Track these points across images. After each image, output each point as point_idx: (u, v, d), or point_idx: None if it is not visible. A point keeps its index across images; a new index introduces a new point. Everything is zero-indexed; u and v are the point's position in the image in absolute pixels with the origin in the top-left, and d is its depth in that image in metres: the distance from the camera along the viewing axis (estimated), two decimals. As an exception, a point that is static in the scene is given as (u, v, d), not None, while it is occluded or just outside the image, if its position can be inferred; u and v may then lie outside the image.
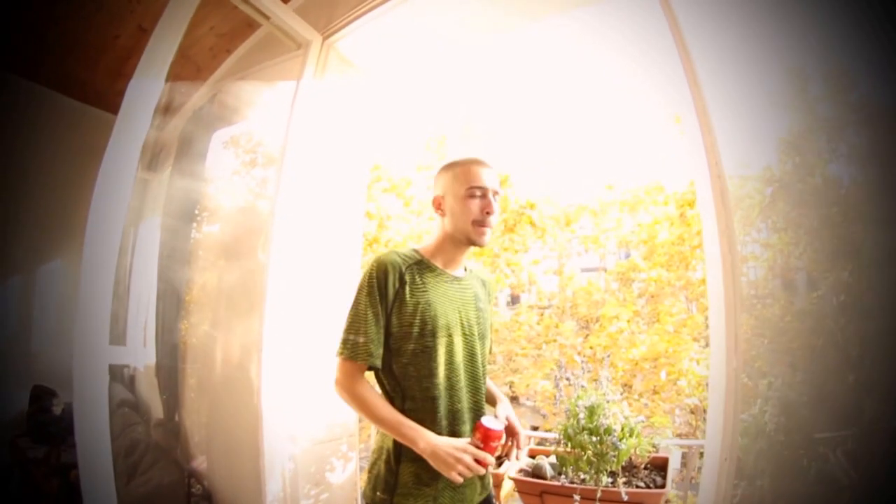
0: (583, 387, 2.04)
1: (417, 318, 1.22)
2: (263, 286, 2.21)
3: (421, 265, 1.29)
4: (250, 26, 2.76)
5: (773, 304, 1.47)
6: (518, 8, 2.25)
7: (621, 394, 2.08)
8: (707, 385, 5.14)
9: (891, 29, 1.20)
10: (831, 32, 1.34)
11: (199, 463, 2.52)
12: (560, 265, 7.71)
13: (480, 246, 1.31)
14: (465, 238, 1.29)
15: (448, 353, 1.25)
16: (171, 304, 2.80)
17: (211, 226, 2.88)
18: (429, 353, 1.23)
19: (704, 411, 5.20)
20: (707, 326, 5.30)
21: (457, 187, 1.30)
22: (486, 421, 1.16)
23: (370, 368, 1.25)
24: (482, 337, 1.33)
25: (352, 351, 1.22)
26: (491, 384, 1.41)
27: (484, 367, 1.33)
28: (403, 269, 1.26)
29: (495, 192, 1.32)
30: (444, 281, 1.30)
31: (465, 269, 1.38)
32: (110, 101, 3.31)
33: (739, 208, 1.45)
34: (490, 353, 1.44)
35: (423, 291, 1.25)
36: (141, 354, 3.18)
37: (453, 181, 1.31)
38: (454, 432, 1.23)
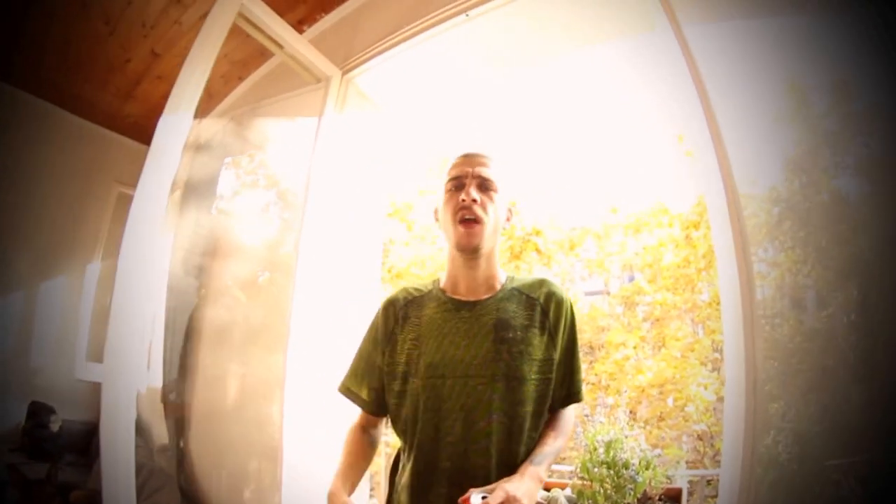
0: (601, 422, 2.04)
1: (403, 356, 1.07)
2: (287, 319, 2.19)
3: (427, 297, 1.13)
4: (263, 55, 2.83)
5: (782, 325, 1.45)
6: (535, 45, 2.30)
7: (626, 423, 2.07)
8: (714, 410, 5.05)
9: (890, 33, 1.22)
10: (829, 43, 1.36)
11: (206, 492, 2.47)
12: (564, 290, 7.64)
13: (463, 250, 1.05)
14: (454, 247, 1.07)
15: (434, 399, 1.01)
16: (181, 329, 2.79)
17: (222, 257, 2.90)
18: (409, 397, 1.04)
19: (712, 437, 5.09)
20: (714, 350, 5.23)
21: (443, 188, 1.12)
22: (473, 497, 0.89)
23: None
24: (509, 377, 0.99)
25: (340, 383, 1.18)
26: (551, 440, 1.04)
27: (514, 418, 0.99)
28: (402, 304, 1.13)
29: (477, 177, 1.05)
30: (444, 310, 1.08)
31: (500, 288, 1.11)
32: (118, 122, 3.39)
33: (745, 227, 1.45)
34: (565, 399, 1.11)
35: (417, 326, 1.08)
36: (144, 377, 3.15)
37: (442, 184, 1.13)
38: (428, 501, 0.99)
